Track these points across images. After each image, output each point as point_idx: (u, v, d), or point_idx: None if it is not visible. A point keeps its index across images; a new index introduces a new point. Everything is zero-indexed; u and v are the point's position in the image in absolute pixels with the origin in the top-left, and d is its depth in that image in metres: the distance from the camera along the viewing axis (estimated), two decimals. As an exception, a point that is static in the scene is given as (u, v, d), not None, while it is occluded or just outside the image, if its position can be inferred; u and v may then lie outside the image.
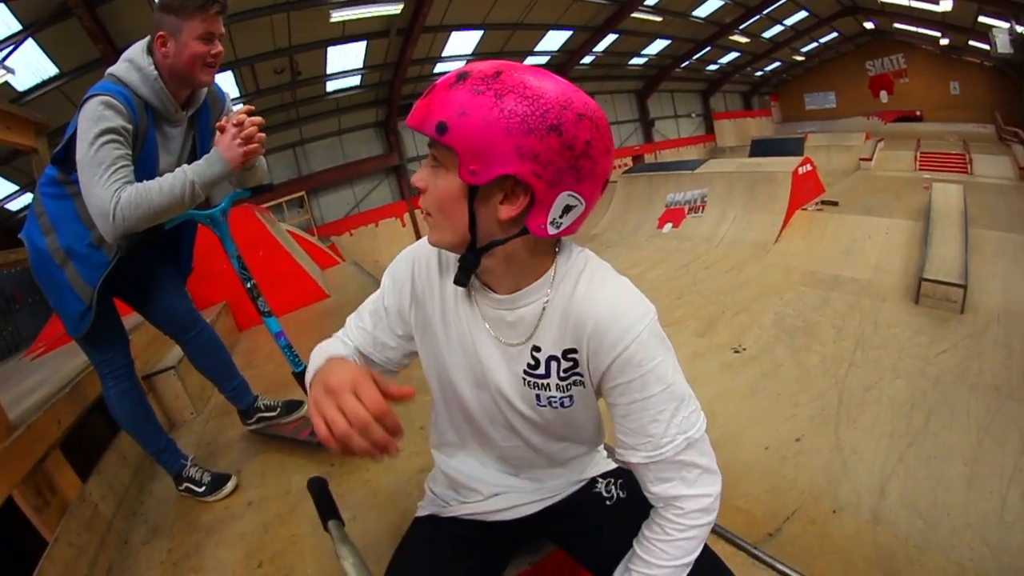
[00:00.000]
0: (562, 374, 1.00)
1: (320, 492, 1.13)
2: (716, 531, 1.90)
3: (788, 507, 3.66)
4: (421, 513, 1.28)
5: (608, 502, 1.21)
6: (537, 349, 1.00)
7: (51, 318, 4.90)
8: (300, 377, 2.39)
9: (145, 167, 1.79)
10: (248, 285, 2.32)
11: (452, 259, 1.02)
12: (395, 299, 1.12)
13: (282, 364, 3.14)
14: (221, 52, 1.83)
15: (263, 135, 1.85)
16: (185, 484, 2.31)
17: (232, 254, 2.27)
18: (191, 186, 1.73)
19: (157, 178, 1.71)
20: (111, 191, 1.64)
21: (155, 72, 1.76)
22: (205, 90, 1.99)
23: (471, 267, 0.93)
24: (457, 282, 0.96)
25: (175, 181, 1.71)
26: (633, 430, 0.95)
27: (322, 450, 2.49)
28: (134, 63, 1.76)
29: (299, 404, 2.66)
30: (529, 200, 0.85)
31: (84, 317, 1.89)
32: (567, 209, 0.87)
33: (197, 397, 3.36)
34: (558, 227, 0.89)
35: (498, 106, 0.79)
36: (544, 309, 0.97)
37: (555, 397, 1.02)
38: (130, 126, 1.69)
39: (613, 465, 1.27)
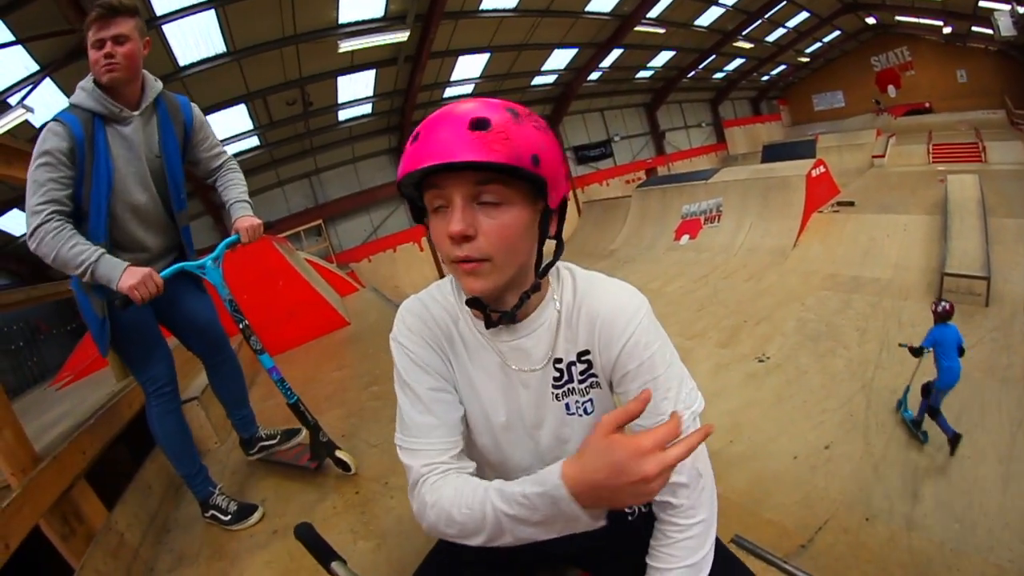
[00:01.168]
0: (579, 377, 1.05)
1: (310, 538, 1.08)
2: (745, 547, 1.87)
3: (820, 517, 3.60)
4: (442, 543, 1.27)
5: (630, 517, 1.20)
6: (559, 361, 1.04)
7: (75, 349, 4.98)
8: (294, 408, 2.47)
9: (103, 166, 1.93)
10: (241, 326, 2.41)
11: (449, 310, 1.07)
12: (430, 372, 1.05)
13: (304, 392, 3.15)
14: (112, 53, 1.88)
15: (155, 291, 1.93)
16: (211, 511, 2.35)
17: (225, 298, 2.37)
18: (88, 266, 1.85)
19: (78, 239, 1.85)
20: (40, 214, 1.81)
21: (91, 84, 1.92)
22: (152, 91, 2.07)
23: (534, 292, 0.99)
24: (504, 317, 0.99)
25: (82, 252, 1.84)
26: (648, 413, 0.86)
27: (345, 479, 2.53)
28: (82, 85, 1.94)
29: (296, 431, 2.79)
30: (559, 216, 0.97)
31: (103, 329, 2.04)
32: None
33: (220, 426, 3.38)
34: None
35: (551, 139, 0.89)
36: (558, 321, 1.03)
37: (579, 402, 1.06)
38: (66, 144, 1.84)
39: None
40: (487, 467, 1.14)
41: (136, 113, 2.01)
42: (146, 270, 1.90)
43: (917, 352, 4.52)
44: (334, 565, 1.02)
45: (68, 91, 9.31)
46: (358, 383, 3.86)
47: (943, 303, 4.71)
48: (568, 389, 1.06)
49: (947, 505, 3.60)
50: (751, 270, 9.13)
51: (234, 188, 2.40)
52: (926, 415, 4.39)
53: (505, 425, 1.08)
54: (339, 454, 2.51)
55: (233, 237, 2.31)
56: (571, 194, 20.79)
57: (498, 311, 0.98)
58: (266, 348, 2.48)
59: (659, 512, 1.00)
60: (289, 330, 5.41)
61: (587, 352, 1.03)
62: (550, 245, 1.01)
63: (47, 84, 9.04)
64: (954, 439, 4.07)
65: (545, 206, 0.90)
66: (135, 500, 2.48)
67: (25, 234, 1.84)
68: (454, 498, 0.91)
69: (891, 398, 4.93)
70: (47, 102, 9.23)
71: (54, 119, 1.86)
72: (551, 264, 1.00)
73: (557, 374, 1.05)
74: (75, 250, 1.83)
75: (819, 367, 5.80)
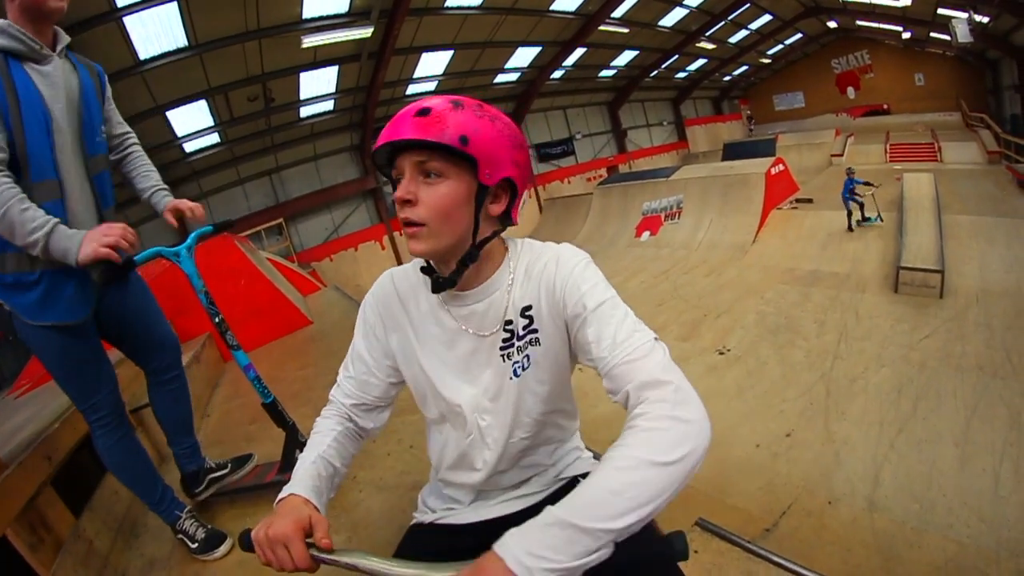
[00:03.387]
0: (520, 332, 1.13)
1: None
2: (711, 529, 1.90)
3: (783, 502, 3.68)
4: (412, 522, 1.35)
5: None
6: (509, 323, 1.14)
7: (33, 356, 4.83)
8: (270, 408, 2.39)
9: (34, 100, 1.66)
10: (216, 320, 2.30)
11: (413, 283, 1.21)
12: (372, 337, 1.23)
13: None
14: None
15: (122, 249, 1.69)
16: (179, 535, 2.18)
17: (199, 289, 2.25)
18: (42, 236, 1.60)
19: (30, 204, 1.60)
20: None
21: (5, 22, 1.65)
22: (63, 39, 1.80)
23: (470, 262, 1.08)
24: (448, 283, 1.10)
25: (35, 219, 1.60)
26: (608, 349, 0.99)
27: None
28: None
29: (247, 457, 2.53)
30: (510, 198, 1.10)
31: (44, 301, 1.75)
32: (523, 203, 1.14)
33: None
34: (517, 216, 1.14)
35: (495, 127, 1.03)
36: (511, 287, 1.14)
37: (519, 362, 1.14)
38: None
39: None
40: (430, 409, 1.24)
41: (55, 53, 1.76)
42: (104, 237, 1.63)
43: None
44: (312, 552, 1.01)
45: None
46: (323, 381, 3.82)
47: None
48: (511, 351, 1.14)
49: (907, 487, 3.72)
50: (711, 265, 9.28)
51: (154, 174, 2.16)
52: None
53: (446, 382, 1.18)
54: None
55: (207, 228, 2.25)
56: (532, 191, 21.04)
57: (441, 277, 1.10)
58: (228, 350, 2.38)
59: (634, 407, 0.92)
60: (252, 329, 5.31)
61: (529, 307, 1.12)
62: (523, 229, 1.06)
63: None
64: None
65: (480, 183, 1.04)
66: (102, 506, 2.40)
67: None
68: (312, 438, 1.19)
69: (850, 387, 5.08)
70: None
71: None
72: (489, 238, 1.10)
73: (507, 335, 1.14)
74: (27, 214, 1.58)
75: (779, 358, 5.92)
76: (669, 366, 0.95)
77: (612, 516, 0.78)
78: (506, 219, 1.13)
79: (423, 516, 1.32)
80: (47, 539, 1.99)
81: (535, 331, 1.13)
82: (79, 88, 1.82)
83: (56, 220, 1.62)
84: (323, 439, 1.17)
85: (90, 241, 1.64)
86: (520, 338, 1.13)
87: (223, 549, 2.18)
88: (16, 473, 1.97)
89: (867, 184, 8.14)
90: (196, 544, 2.16)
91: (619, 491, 0.79)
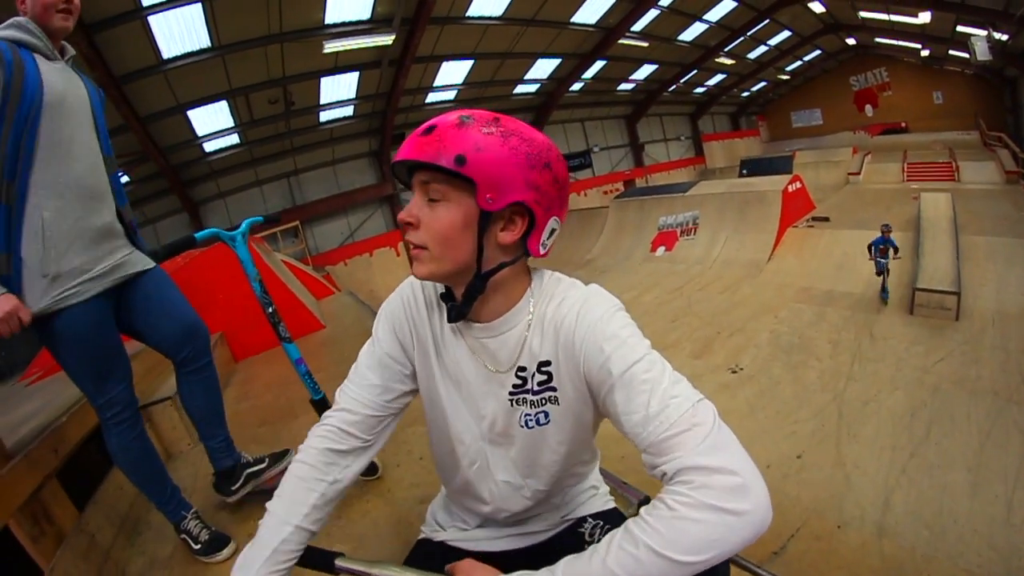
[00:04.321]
0: (536, 388, 1.05)
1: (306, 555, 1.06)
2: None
3: (792, 525, 3.63)
4: (421, 536, 1.34)
5: (587, 546, 1.21)
6: (523, 369, 1.05)
7: (45, 344, 4.86)
8: (319, 404, 2.39)
9: (32, 83, 1.62)
10: (269, 310, 2.31)
11: (435, 297, 1.12)
12: (397, 343, 1.14)
13: (280, 395, 3.11)
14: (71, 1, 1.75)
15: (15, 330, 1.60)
16: (183, 535, 2.15)
17: (253, 277, 2.27)
18: None
19: None
20: None
21: (25, 20, 1.70)
22: (69, 50, 1.85)
23: (476, 293, 1.01)
24: (457, 314, 1.03)
25: None
26: (640, 424, 0.86)
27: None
28: (10, 22, 1.68)
29: (285, 453, 2.43)
30: (528, 225, 0.98)
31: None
32: (551, 232, 1.02)
33: (193, 428, 3.32)
34: (546, 248, 1.02)
35: (507, 144, 0.92)
36: (529, 329, 1.04)
37: (531, 415, 1.07)
38: None
39: (609, 506, 1.30)
40: (435, 430, 1.19)
41: (64, 60, 1.81)
42: (10, 303, 1.56)
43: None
44: (338, 563, 0.98)
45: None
46: (334, 385, 3.78)
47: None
48: (522, 399, 1.06)
49: (917, 512, 3.66)
50: (726, 282, 9.22)
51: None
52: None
53: (455, 407, 1.13)
54: None
55: (258, 218, 2.31)
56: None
57: (456, 306, 1.03)
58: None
59: (672, 483, 0.80)
60: (265, 331, 5.28)
61: (548, 363, 1.03)
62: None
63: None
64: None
65: (482, 209, 0.94)
66: (106, 501, 2.40)
67: None
68: (283, 482, 1.07)
69: (863, 409, 5.02)
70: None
71: None
72: (496, 269, 0.99)
73: (518, 381, 1.06)
74: None
75: (792, 378, 5.87)
76: (717, 440, 0.80)
77: None
78: (521, 248, 1.01)
79: (432, 532, 1.31)
80: (49, 531, 2.00)
81: (553, 389, 1.04)
82: (87, 95, 1.84)
83: None
84: (304, 498, 1.04)
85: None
86: (535, 393, 1.05)
87: (226, 552, 2.14)
88: (22, 464, 1.97)
89: (894, 250, 7.77)
90: (200, 545, 2.13)
91: None
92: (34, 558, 1.90)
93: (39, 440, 2.13)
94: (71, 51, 1.86)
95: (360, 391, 1.13)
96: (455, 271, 0.99)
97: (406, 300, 1.15)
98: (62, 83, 1.73)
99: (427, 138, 0.93)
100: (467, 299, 1.01)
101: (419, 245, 0.98)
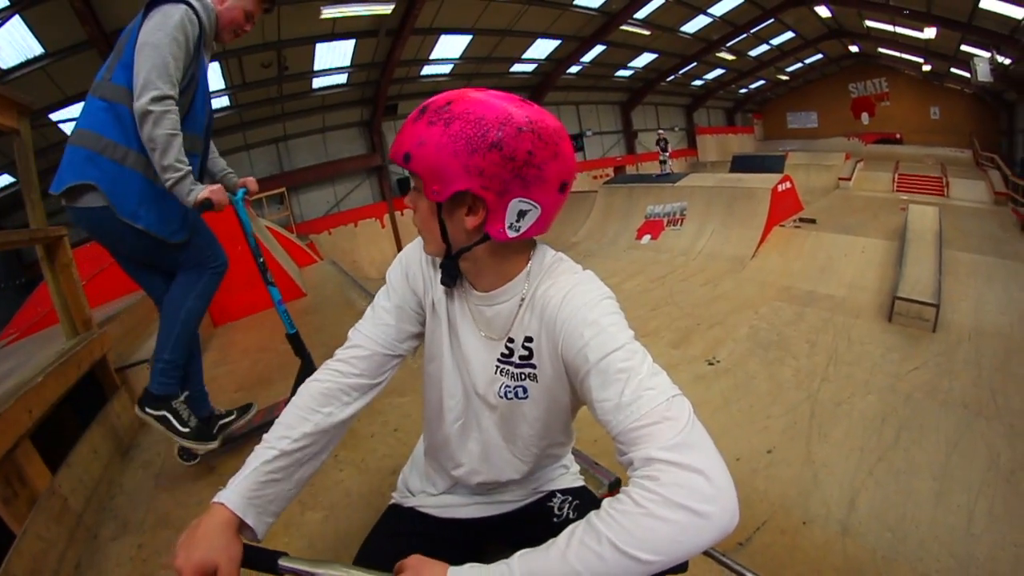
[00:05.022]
0: (518, 361, 1.08)
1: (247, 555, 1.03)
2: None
3: (758, 518, 3.68)
4: (392, 501, 1.36)
5: (556, 519, 1.24)
6: (511, 341, 1.09)
7: (24, 305, 4.80)
8: (294, 338, 2.61)
9: (203, 91, 2.17)
10: (259, 260, 2.55)
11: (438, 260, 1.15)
12: (409, 290, 1.18)
13: (257, 360, 3.11)
14: (248, 29, 2.33)
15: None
16: (164, 413, 2.19)
17: (250, 232, 2.50)
18: (180, 174, 1.94)
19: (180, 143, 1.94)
20: (170, 89, 1.89)
21: (211, 4, 2.11)
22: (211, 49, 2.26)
23: (453, 272, 1.08)
24: (443, 283, 1.11)
25: (183, 160, 1.95)
26: (612, 412, 0.85)
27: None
28: (204, 2, 2.07)
29: (248, 407, 2.63)
30: (487, 210, 0.97)
31: (185, 217, 2.18)
32: (522, 214, 0.98)
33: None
34: (517, 230, 1.00)
35: (447, 133, 0.92)
36: (521, 305, 1.07)
37: (510, 387, 1.10)
38: (195, 34, 1.99)
39: (578, 483, 1.32)
40: (429, 381, 1.22)
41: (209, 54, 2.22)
42: (218, 195, 2.03)
43: None
44: (281, 562, 0.95)
45: (38, 32, 9.07)
46: (316, 353, 3.81)
47: None
48: (505, 370, 1.10)
49: (881, 515, 3.73)
50: (708, 275, 9.26)
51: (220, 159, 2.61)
52: None
53: (451, 362, 1.17)
54: None
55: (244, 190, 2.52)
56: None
57: (448, 272, 1.08)
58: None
59: (638, 476, 0.78)
60: (245, 297, 5.29)
61: (531, 340, 1.06)
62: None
63: (16, 21, 8.56)
64: None
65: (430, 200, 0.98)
66: (80, 464, 2.38)
67: (148, 87, 1.85)
68: (286, 410, 1.10)
69: (835, 410, 5.08)
70: (14, 40, 8.80)
71: (187, 5, 1.95)
72: (465, 250, 1.03)
73: (506, 351, 1.10)
74: (180, 151, 1.93)
75: (767, 374, 5.92)
76: (690, 438, 0.78)
77: None
78: (481, 233, 1.00)
79: (403, 498, 1.33)
80: (22, 493, 1.97)
81: (533, 367, 1.07)
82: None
83: (190, 168, 1.98)
84: (296, 424, 1.07)
85: (206, 191, 1.99)
86: (517, 366, 1.09)
87: (216, 443, 2.29)
88: (-6, 424, 1.93)
89: None
90: (186, 429, 2.19)
91: None
92: (6, 520, 1.87)
93: (13, 400, 2.08)
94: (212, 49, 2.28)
95: (374, 329, 1.17)
96: (437, 251, 1.06)
97: (422, 255, 1.18)
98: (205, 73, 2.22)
99: (398, 135, 0.99)
100: (447, 275, 1.08)
101: (417, 227, 1.08)
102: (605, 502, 0.78)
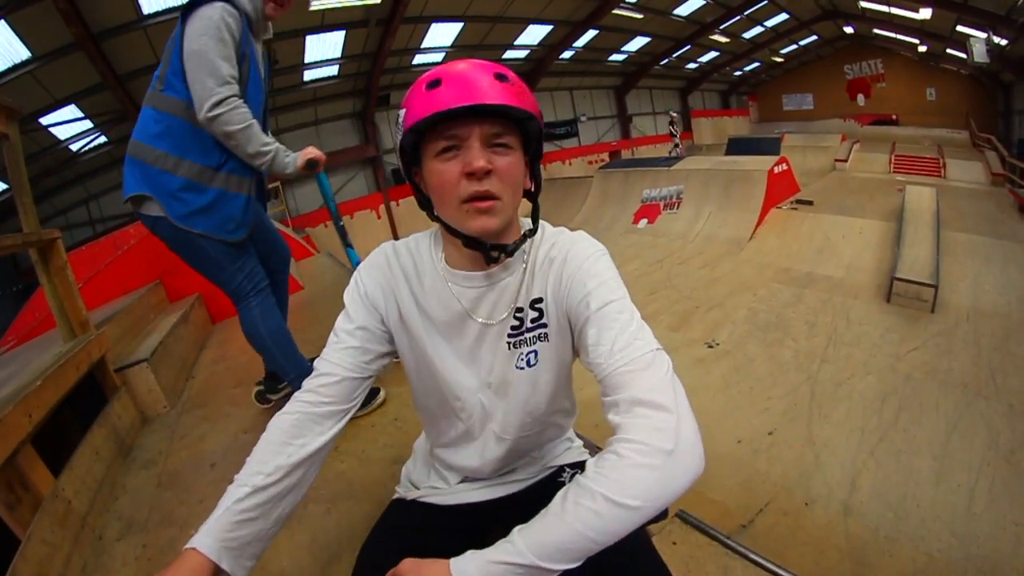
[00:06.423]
0: (530, 325, 1.10)
1: None
2: (689, 521, 1.90)
3: (761, 499, 3.70)
4: (396, 496, 1.35)
5: (560, 477, 1.26)
6: (520, 311, 1.10)
7: (20, 312, 4.79)
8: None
9: (254, 79, 2.14)
10: (339, 224, 2.89)
11: (416, 260, 1.14)
12: (371, 308, 1.14)
13: (256, 357, 3.09)
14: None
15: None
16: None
17: (329, 197, 2.91)
18: (274, 150, 2.15)
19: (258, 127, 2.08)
20: (232, 86, 1.96)
21: None
22: (268, 32, 2.26)
23: (530, 234, 1.09)
24: (505, 249, 1.04)
25: (270, 140, 2.12)
26: (605, 355, 0.93)
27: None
28: None
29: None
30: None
31: (247, 207, 2.26)
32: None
33: (170, 390, 3.27)
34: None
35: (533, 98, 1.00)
36: (525, 272, 1.09)
37: (523, 355, 1.11)
38: (237, 29, 1.99)
39: (584, 457, 1.32)
40: (423, 388, 1.21)
41: (263, 38, 2.24)
42: (316, 157, 2.28)
43: None
44: None
45: (24, 36, 8.97)
46: (311, 347, 3.76)
47: None
48: (519, 340, 1.11)
49: (882, 495, 3.75)
50: (706, 258, 9.26)
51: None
52: None
53: (450, 362, 1.15)
54: None
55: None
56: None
57: (496, 246, 1.03)
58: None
59: (616, 437, 0.85)
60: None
61: (540, 300, 1.09)
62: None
63: (1, 26, 8.47)
64: None
65: (530, 158, 1.05)
66: (82, 466, 2.36)
67: (206, 96, 1.93)
68: (257, 447, 1.04)
69: (835, 391, 5.09)
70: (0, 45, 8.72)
71: (231, 4, 1.96)
72: (536, 209, 1.11)
73: (516, 323, 1.10)
74: (262, 134, 2.06)
75: (767, 356, 5.93)
76: (667, 385, 0.87)
77: (576, 558, 0.79)
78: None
79: (406, 492, 1.32)
80: (25, 499, 1.95)
81: (544, 326, 1.09)
82: (267, 69, 2.31)
83: (277, 144, 2.14)
84: (269, 459, 1.01)
85: (302, 156, 2.25)
86: (529, 331, 1.10)
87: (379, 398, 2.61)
88: (-5, 430, 1.92)
89: None
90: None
91: (592, 538, 0.78)
92: (10, 526, 1.86)
93: (13, 405, 2.06)
94: (270, 33, 2.27)
95: (340, 354, 1.11)
96: (516, 207, 1.04)
97: (381, 267, 1.15)
98: (260, 61, 2.21)
99: (511, 86, 0.95)
100: (523, 239, 1.08)
101: (494, 195, 0.97)
102: (590, 463, 0.84)
